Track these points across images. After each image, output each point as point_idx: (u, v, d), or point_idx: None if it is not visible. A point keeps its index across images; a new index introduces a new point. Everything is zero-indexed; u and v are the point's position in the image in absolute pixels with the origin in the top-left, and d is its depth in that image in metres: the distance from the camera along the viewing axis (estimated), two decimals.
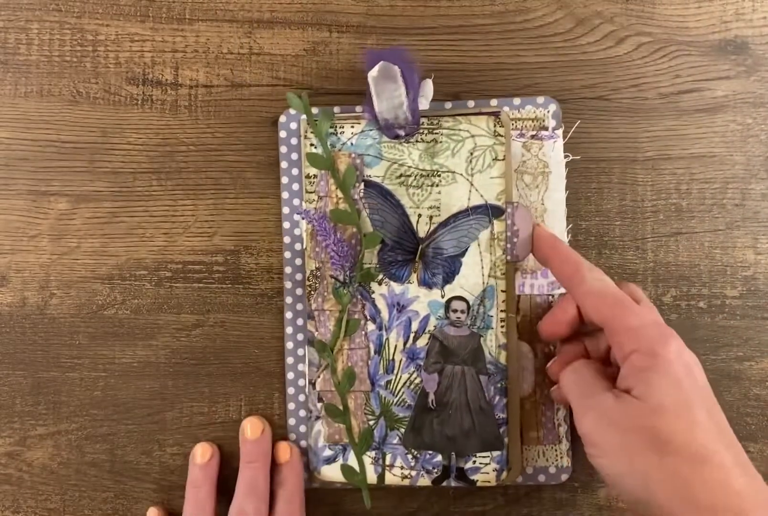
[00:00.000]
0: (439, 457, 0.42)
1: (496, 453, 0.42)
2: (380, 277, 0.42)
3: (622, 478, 0.34)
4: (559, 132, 0.44)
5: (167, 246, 0.44)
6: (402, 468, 0.42)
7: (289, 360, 0.44)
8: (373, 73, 0.39)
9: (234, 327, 0.45)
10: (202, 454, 0.43)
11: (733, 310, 0.45)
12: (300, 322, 0.44)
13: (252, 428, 0.43)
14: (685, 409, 0.33)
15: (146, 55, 0.45)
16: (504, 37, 0.45)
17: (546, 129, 0.44)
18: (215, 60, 0.45)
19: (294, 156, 0.44)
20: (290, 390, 0.44)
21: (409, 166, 0.42)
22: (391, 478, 0.43)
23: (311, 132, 0.42)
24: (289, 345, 0.44)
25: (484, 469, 0.42)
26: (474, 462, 0.42)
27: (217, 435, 0.44)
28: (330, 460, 0.43)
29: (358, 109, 0.44)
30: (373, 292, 0.42)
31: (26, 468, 0.44)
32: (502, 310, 0.42)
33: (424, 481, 0.42)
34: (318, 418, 0.43)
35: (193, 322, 0.44)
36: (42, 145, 0.44)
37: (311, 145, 0.42)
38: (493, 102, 0.44)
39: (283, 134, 0.44)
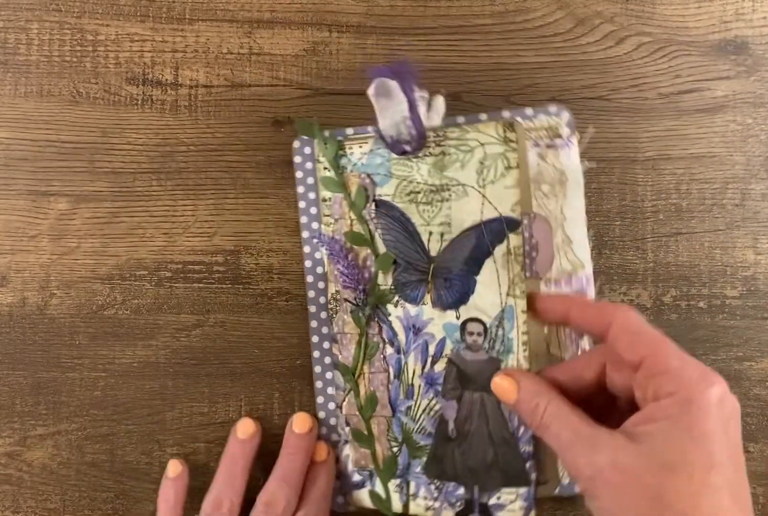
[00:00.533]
0: (462, 490, 0.40)
1: (522, 489, 0.39)
2: (395, 298, 0.41)
3: None
4: (574, 139, 0.43)
5: (167, 246, 0.44)
6: (425, 498, 0.41)
7: (318, 384, 0.44)
8: (370, 91, 0.39)
9: (234, 327, 0.45)
10: (245, 430, 0.43)
11: (733, 310, 0.45)
12: (326, 345, 0.43)
13: (300, 423, 0.43)
14: (703, 471, 0.29)
15: (146, 55, 0.45)
16: (504, 37, 0.45)
17: (560, 137, 0.43)
18: (215, 60, 0.45)
19: (310, 180, 0.43)
20: (321, 414, 0.44)
21: (418, 182, 0.41)
22: (415, 508, 0.41)
23: (323, 156, 0.42)
24: (317, 369, 0.44)
25: (510, 506, 0.39)
26: (499, 498, 0.39)
27: (217, 435, 0.44)
28: (359, 486, 0.42)
29: (371, 129, 0.43)
30: (390, 315, 0.41)
31: (26, 468, 0.44)
32: (523, 332, 0.39)
33: (448, 514, 0.40)
34: (346, 442, 0.43)
35: (193, 322, 0.44)
36: (42, 145, 0.44)
37: (325, 168, 0.42)
38: (506, 113, 0.43)
39: (297, 159, 0.43)
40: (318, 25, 0.45)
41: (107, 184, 0.44)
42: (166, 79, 0.45)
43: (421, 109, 0.40)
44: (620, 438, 0.31)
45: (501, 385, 0.36)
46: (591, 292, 0.43)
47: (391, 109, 0.39)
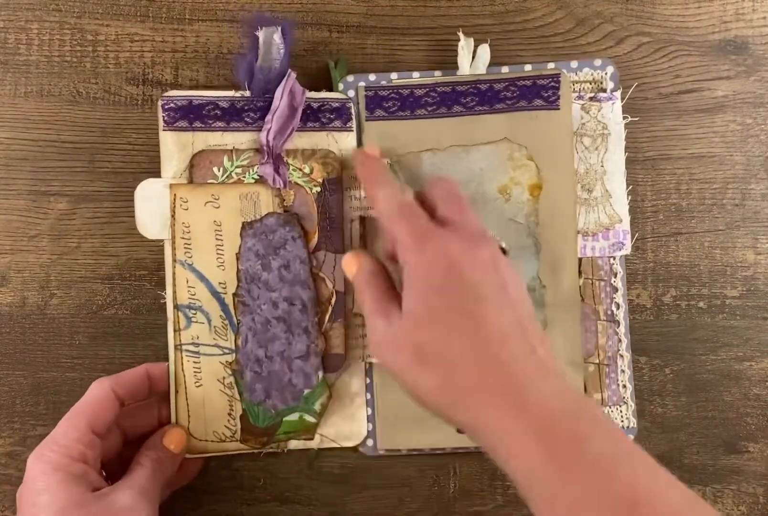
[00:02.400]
0: None
1: None
2: None
3: (408, 392, 0.34)
4: (617, 94, 0.44)
5: None
6: None
7: None
8: (261, 32, 0.41)
9: None
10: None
11: (733, 310, 0.45)
12: None
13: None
14: (443, 315, 0.33)
15: (146, 55, 0.45)
16: (504, 37, 0.45)
17: (604, 91, 0.44)
18: (215, 60, 0.45)
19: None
20: None
21: None
22: None
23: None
24: None
25: None
26: None
27: None
28: None
29: (415, 74, 0.44)
30: None
31: None
32: None
33: None
34: None
35: None
36: (42, 145, 0.44)
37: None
38: (551, 65, 0.44)
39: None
40: (318, 25, 0.45)
41: (107, 184, 0.44)
42: (166, 79, 0.45)
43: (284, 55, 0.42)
44: (403, 312, 0.35)
45: (348, 258, 0.39)
46: (628, 246, 0.44)
47: (272, 51, 0.41)
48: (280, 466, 0.44)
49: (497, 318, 0.33)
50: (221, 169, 0.42)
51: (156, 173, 0.43)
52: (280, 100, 0.41)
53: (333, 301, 0.42)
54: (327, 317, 0.42)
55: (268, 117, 0.41)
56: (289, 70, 0.41)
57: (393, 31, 0.45)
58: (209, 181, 0.42)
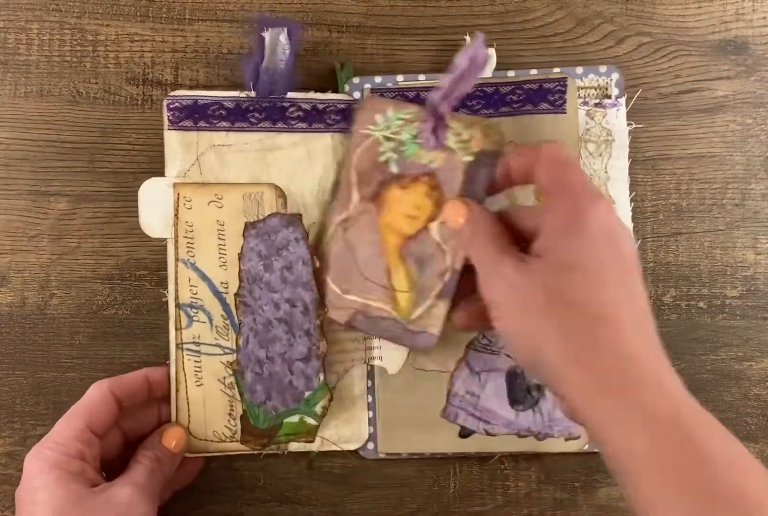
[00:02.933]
0: None
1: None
2: None
3: (518, 341, 0.33)
4: (622, 100, 0.44)
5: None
6: None
7: None
8: (266, 33, 0.41)
9: None
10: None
11: (733, 310, 0.45)
12: None
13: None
14: (596, 268, 0.31)
15: (146, 55, 0.45)
16: (504, 37, 0.45)
17: (609, 97, 0.44)
18: (215, 60, 0.45)
19: None
20: None
21: None
22: None
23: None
24: None
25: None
26: None
27: None
28: None
29: (421, 77, 0.44)
30: None
31: None
32: None
33: None
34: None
35: None
36: (42, 145, 0.44)
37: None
38: (556, 70, 0.44)
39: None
40: (318, 25, 0.45)
41: (107, 184, 0.44)
42: (166, 79, 0.45)
43: (290, 59, 0.42)
44: (516, 262, 0.33)
45: (453, 207, 0.38)
46: None
47: (277, 52, 0.41)
48: (280, 466, 0.44)
49: (641, 302, 0.32)
50: (384, 116, 0.41)
51: (156, 173, 0.43)
52: (461, 62, 0.38)
53: None
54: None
55: (445, 80, 0.38)
56: (478, 33, 0.38)
57: (393, 31, 0.45)
58: (368, 127, 0.41)
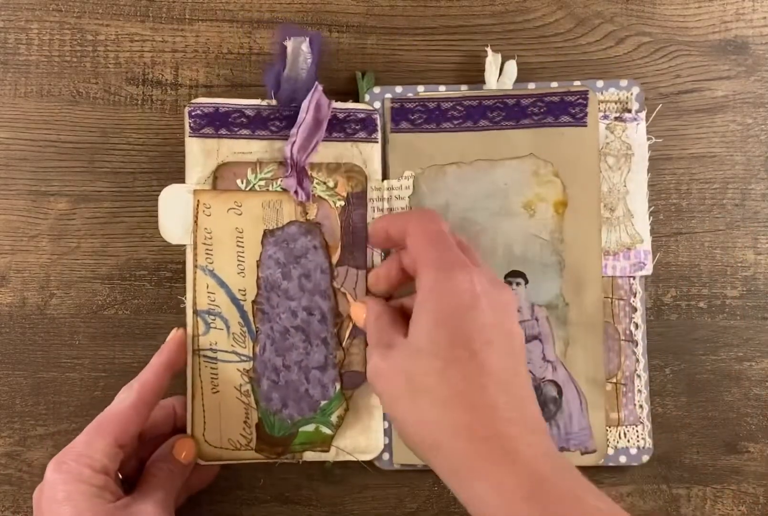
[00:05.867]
0: None
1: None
2: None
3: (395, 426, 0.34)
4: (642, 114, 0.44)
5: (167, 246, 0.44)
6: None
7: None
8: (289, 42, 0.41)
9: None
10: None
11: (733, 310, 0.45)
12: None
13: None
14: (446, 348, 0.32)
15: (146, 55, 0.45)
16: (504, 37, 0.45)
17: (629, 111, 0.44)
18: (215, 60, 0.45)
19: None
20: None
21: None
22: None
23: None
24: None
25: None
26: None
27: None
28: None
29: (442, 88, 0.44)
30: None
31: (26, 468, 0.44)
32: None
33: None
34: None
35: None
36: (42, 145, 0.44)
37: None
38: (577, 83, 0.44)
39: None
40: (318, 25, 0.45)
41: (107, 184, 0.44)
42: (166, 79, 0.45)
43: (312, 68, 0.42)
44: (403, 342, 0.34)
45: (356, 308, 0.40)
46: (649, 266, 0.44)
47: (299, 61, 0.41)
48: (280, 466, 0.44)
49: (500, 365, 0.32)
50: (244, 181, 0.42)
51: (156, 173, 0.43)
52: (306, 112, 0.41)
53: None
54: (347, 333, 0.42)
55: (293, 130, 0.41)
56: (316, 83, 0.41)
57: (393, 31, 0.45)
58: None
